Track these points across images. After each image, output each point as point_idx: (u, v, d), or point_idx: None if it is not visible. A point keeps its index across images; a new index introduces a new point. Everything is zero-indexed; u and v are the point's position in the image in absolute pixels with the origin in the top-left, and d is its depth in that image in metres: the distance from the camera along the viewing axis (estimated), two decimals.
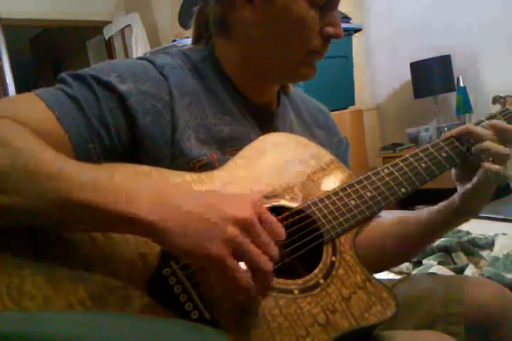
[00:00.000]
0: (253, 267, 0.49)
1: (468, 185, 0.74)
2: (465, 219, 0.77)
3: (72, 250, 0.51)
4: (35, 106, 0.59)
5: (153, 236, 0.48)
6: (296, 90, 0.89)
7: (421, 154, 0.75)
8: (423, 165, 0.74)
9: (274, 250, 0.51)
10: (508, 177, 0.72)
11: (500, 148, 0.71)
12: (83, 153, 0.60)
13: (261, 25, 0.71)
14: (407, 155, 0.75)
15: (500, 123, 0.73)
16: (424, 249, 0.86)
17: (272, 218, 0.53)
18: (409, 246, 0.81)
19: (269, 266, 0.49)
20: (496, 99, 0.86)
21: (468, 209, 0.76)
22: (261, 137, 0.71)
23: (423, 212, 0.79)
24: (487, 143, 0.72)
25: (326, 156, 0.74)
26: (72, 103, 0.61)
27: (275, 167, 0.68)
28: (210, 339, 0.48)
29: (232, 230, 0.48)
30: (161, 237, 0.48)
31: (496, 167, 0.70)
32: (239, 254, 0.48)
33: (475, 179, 0.73)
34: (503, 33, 2.88)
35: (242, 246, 0.48)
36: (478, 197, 0.74)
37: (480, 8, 2.95)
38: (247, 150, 0.68)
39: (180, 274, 0.52)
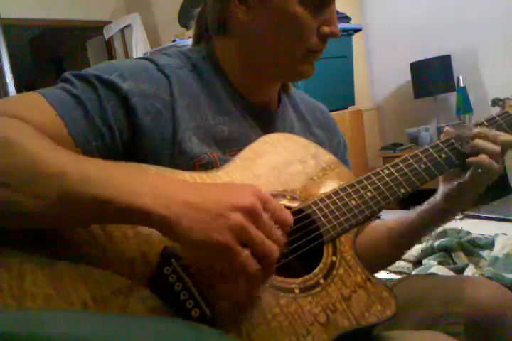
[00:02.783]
0: (259, 252, 0.49)
1: (456, 184, 0.76)
2: (451, 216, 0.80)
3: (74, 248, 0.51)
4: (38, 105, 0.60)
5: (161, 227, 0.49)
6: (296, 90, 0.89)
7: (421, 155, 0.75)
8: (423, 166, 0.74)
9: (279, 235, 0.51)
10: (496, 173, 0.73)
11: (490, 145, 0.73)
12: (85, 152, 0.60)
13: (256, 26, 0.71)
14: (407, 156, 0.75)
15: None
16: (415, 245, 0.88)
17: (278, 204, 0.53)
18: (403, 246, 0.84)
19: (275, 251, 0.50)
20: (494, 102, 0.87)
21: (454, 208, 0.78)
22: (261, 138, 0.71)
23: (412, 213, 0.81)
24: (478, 141, 0.74)
25: (326, 156, 0.74)
26: (75, 102, 0.62)
27: (275, 167, 0.68)
28: (210, 340, 0.48)
29: (236, 217, 0.48)
30: (169, 229, 0.48)
31: (486, 160, 0.72)
32: (244, 240, 0.49)
33: (466, 175, 0.75)
34: (503, 33, 2.88)
35: (246, 231, 0.48)
36: (465, 195, 0.76)
37: (480, 8, 2.95)
38: (247, 151, 0.68)
39: (180, 272, 0.52)
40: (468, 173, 0.74)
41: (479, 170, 0.73)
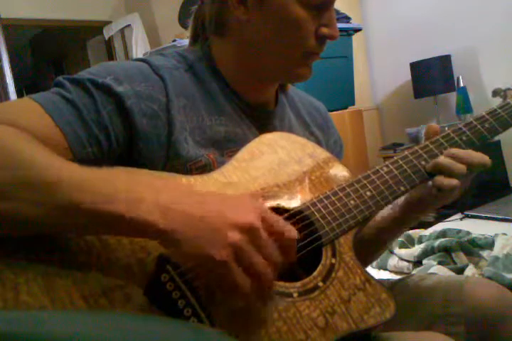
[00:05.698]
0: (253, 273, 0.49)
1: (413, 197, 0.75)
2: (406, 226, 0.80)
3: (69, 256, 0.51)
4: (32, 111, 0.59)
5: (161, 239, 0.49)
6: (294, 88, 0.89)
7: (420, 151, 0.73)
8: (423, 162, 0.72)
9: (276, 256, 0.51)
10: (453, 192, 0.71)
11: (452, 165, 0.70)
12: (82, 157, 0.60)
13: (254, 26, 0.70)
14: (406, 153, 0.73)
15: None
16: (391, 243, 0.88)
17: (281, 220, 0.53)
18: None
19: (268, 273, 0.49)
20: (496, 92, 0.85)
21: (408, 220, 0.78)
22: (257, 138, 0.70)
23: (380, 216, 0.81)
24: (442, 159, 0.71)
25: (323, 155, 0.73)
26: (69, 107, 0.61)
27: (272, 167, 0.68)
28: (209, 340, 0.47)
29: (234, 235, 0.48)
30: (168, 241, 0.48)
31: (446, 181, 0.69)
32: (240, 259, 0.48)
33: (424, 191, 0.73)
34: (503, 33, 2.88)
35: (242, 251, 0.48)
36: (420, 209, 0.76)
37: (480, 8, 2.95)
38: (244, 152, 0.68)
39: (178, 279, 0.52)
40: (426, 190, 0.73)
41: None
